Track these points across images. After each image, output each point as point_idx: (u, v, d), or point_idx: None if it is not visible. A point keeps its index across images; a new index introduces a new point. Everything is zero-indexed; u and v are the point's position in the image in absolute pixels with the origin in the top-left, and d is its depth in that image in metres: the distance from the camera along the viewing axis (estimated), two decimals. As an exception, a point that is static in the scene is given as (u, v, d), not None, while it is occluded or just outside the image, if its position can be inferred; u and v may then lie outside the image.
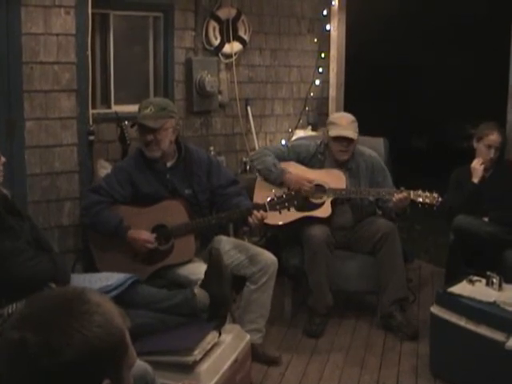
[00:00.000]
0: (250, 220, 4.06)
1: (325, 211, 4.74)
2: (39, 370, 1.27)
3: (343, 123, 4.78)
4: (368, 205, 4.91)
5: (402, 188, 4.61)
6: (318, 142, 4.99)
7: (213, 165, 4.37)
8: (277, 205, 4.09)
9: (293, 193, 4.14)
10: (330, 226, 4.73)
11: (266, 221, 4.29)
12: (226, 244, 4.32)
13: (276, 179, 4.79)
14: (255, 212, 4.04)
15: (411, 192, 4.56)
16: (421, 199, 4.55)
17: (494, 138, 4.96)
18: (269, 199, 4.12)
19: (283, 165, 4.86)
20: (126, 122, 4.87)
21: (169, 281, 4.01)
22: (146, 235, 4.02)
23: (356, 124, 4.82)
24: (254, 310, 4.19)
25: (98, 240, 4.14)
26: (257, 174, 4.96)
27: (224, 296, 3.65)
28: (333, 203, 4.75)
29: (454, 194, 4.97)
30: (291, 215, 4.58)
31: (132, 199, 4.16)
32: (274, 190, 4.43)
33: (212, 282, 3.63)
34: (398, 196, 4.56)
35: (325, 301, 4.73)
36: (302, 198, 4.33)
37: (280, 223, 4.60)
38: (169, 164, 4.22)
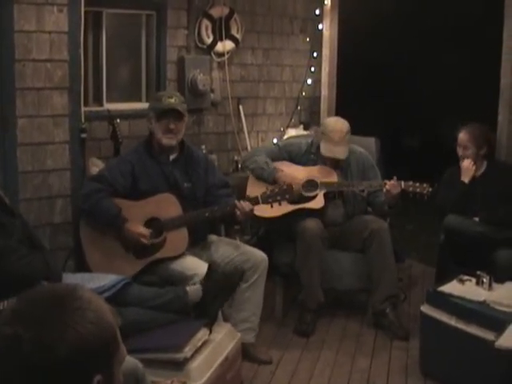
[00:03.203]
0: (238, 213, 4.10)
1: (318, 203, 4.77)
2: (32, 366, 1.27)
3: (335, 138, 4.74)
4: (361, 200, 4.94)
5: (393, 178, 4.67)
6: (310, 141, 5.01)
7: (209, 163, 4.52)
8: (269, 198, 4.17)
9: (285, 187, 4.20)
10: (323, 220, 4.76)
11: (259, 214, 4.37)
12: (217, 243, 4.35)
13: (269, 177, 4.81)
14: (242, 204, 4.10)
15: (402, 182, 4.62)
16: (411, 189, 4.61)
17: (460, 136, 5.01)
18: (262, 192, 4.18)
19: (276, 164, 4.89)
20: (118, 120, 4.88)
21: (160, 277, 4.01)
22: (142, 229, 4.03)
23: (349, 134, 4.81)
24: (247, 309, 4.21)
25: (89, 234, 4.14)
26: (249, 173, 4.98)
27: (216, 302, 3.68)
28: (325, 196, 4.78)
29: (446, 192, 4.98)
30: (284, 208, 4.63)
31: (131, 191, 4.18)
32: (266, 187, 4.46)
33: (215, 289, 3.66)
34: (390, 183, 4.61)
35: (316, 296, 4.75)
36: (294, 192, 4.37)
37: (273, 216, 4.62)
38: (171, 157, 4.30)
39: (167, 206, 4.13)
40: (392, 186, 4.60)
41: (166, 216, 4.09)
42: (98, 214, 4.06)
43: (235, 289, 3.88)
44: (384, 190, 4.66)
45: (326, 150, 4.79)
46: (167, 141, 4.21)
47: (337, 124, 4.83)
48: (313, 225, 4.67)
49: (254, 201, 4.20)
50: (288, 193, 4.17)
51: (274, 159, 4.94)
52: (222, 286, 3.69)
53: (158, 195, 4.15)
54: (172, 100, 4.24)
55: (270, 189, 4.20)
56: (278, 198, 4.16)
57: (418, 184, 4.62)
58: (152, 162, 4.25)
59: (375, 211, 5.00)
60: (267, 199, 4.17)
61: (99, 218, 4.07)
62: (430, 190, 4.61)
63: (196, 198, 4.29)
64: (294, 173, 4.85)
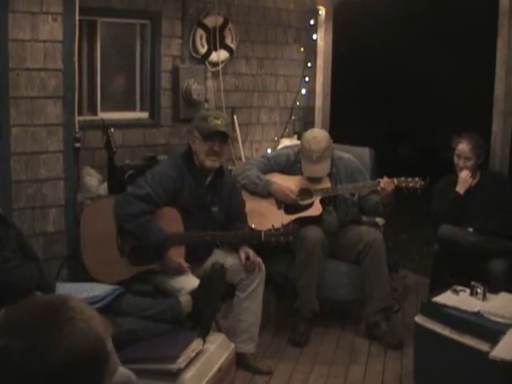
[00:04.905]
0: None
1: (316, 210, 4.79)
2: (24, 377, 1.26)
3: (313, 157, 4.75)
4: (352, 206, 4.94)
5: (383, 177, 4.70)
6: (296, 150, 5.02)
7: (236, 190, 4.52)
8: (272, 237, 4.18)
9: (290, 227, 4.22)
10: (322, 228, 4.75)
11: (260, 228, 4.34)
12: (214, 252, 4.34)
13: (263, 191, 4.82)
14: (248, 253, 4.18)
15: (395, 179, 4.66)
16: (404, 184, 4.66)
17: (461, 147, 4.97)
18: (266, 229, 4.21)
19: (267, 177, 4.89)
20: (112, 129, 4.86)
21: (153, 287, 4.00)
22: (182, 261, 4.02)
23: (328, 150, 4.80)
24: (246, 319, 4.22)
25: (88, 240, 4.11)
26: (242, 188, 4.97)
27: (208, 311, 3.66)
28: (321, 203, 4.78)
29: (439, 202, 4.98)
30: (285, 218, 4.64)
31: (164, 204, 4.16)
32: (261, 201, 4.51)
33: (203, 295, 3.65)
34: (384, 180, 4.64)
35: (311, 304, 4.75)
36: (299, 233, 4.45)
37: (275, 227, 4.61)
38: (208, 179, 4.29)
39: (169, 220, 4.10)
40: (386, 183, 4.62)
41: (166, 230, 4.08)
42: (144, 236, 4.03)
43: (223, 286, 3.82)
44: (379, 188, 4.66)
45: (306, 169, 4.83)
46: (211, 163, 4.19)
47: (312, 145, 4.77)
48: (314, 233, 4.68)
49: (257, 236, 4.20)
50: (292, 235, 4.19)
51: (266, 172, 4.95)
52: (209, 289, 3.68)
53: (163, 208, 4.12)
54: (219, 121, 4.19)
55: (276, 227, 4.21)
56: (282, 238, 4.17)
57: (410, 179, 4.67)
58: (191, 180, 4.22)
59: (369, 214, 5.00)
60: (270, 238, 4.17)
61: (144, 238, 4.04)
62: (423, 183, 4.65)
63: (219, 221, 4.30)
64: (287, 183, 4.85)
